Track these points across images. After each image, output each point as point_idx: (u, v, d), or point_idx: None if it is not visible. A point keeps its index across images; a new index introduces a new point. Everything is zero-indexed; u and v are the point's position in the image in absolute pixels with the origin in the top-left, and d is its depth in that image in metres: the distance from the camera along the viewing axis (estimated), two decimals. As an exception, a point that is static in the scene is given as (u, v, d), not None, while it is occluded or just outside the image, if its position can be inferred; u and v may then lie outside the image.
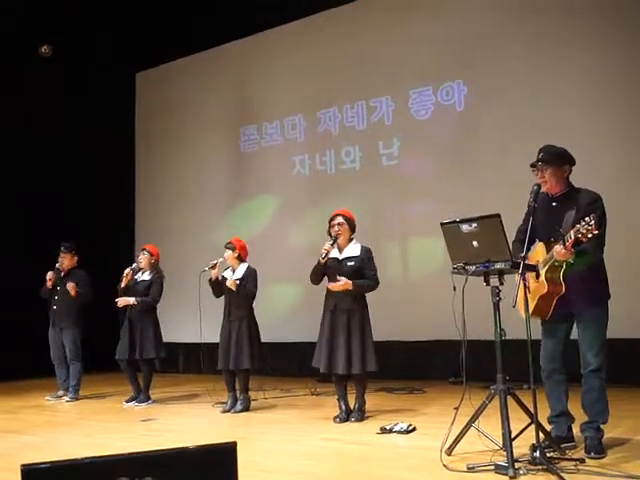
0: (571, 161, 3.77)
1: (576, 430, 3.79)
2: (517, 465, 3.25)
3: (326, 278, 5.17)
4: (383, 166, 8.14)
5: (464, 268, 3.57)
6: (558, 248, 3.41)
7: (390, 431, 4.52)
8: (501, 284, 3.56)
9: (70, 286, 6.79)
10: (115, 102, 9.87)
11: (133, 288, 6.52)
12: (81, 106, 9.64)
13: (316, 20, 8.76)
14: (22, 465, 1.64)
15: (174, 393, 7.29)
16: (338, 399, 5.16)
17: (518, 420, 3.52)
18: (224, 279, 5.91)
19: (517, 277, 3.48)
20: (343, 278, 4.95)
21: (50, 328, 7.01)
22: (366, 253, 5.10)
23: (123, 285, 6.50)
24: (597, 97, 6.75)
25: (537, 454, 3.28)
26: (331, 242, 5.05)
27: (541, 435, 3.37)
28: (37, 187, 9.16)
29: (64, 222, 8.93)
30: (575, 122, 6.74)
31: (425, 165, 7.79)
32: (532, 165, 3.77)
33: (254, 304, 5.91)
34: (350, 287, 4.94)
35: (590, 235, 3.23)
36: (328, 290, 5.14)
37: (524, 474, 3.22)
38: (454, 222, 3.56)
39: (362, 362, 4.93)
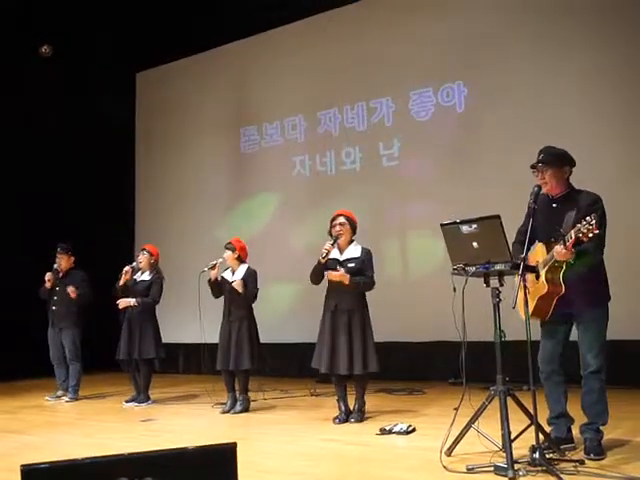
0: (571, 162, 3.78)
1: (575, 431, 3.79)
2: (516, 466, 3.25)
3: (326, 278, 5.18)
4: (383, 167, 8.14)
5: (464, 269, 3.57)
6: (558, 248, 3.41)
7: (390, 432, 4.52)
8: (501, 285, 3.56)
9: (70, 290, 6.79)
10: (115, 102, 9.87)
11: (132, 288, 6.52)
12: (81, 106, 9.65)
13: (317, 21, 8.76)
14: (22, 465, 1.64)
15: (174, 393, 7.29)
16: (338, 400, 5.16)
17: (518, 421, 3.52)
18: (223, 280, 5.91)
19: (517, 278, 3.49)
20: (342, 269, 4.95)
21: (49, 328, 7.01)
22: (367, 255, 5.11)
23: (121, 283, 6.50)
24: (597, 97, 6.75)
25: (537, 455, 3.27)
26: (332, 242, 5.05)
27: (541, 436, 3.37)
28: (37, 187, 9.16)
29: (64, 222, 8.93)
30: (575, 122, 6.74)
31: (425, 166, 7.78)
32: (532, 166, 3.77)
33: (254, 304, 5.92)
34: (347, 281, 4.93)
35: (591, 235, 3.23)
36: (328, 290, 5.15)
37: (523, 475, 3.22)
38: (454, 223, 3.56)
39: (363, 362, 4.93)
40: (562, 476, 3.15)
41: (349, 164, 8.43)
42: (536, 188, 3.71)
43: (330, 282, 5.16)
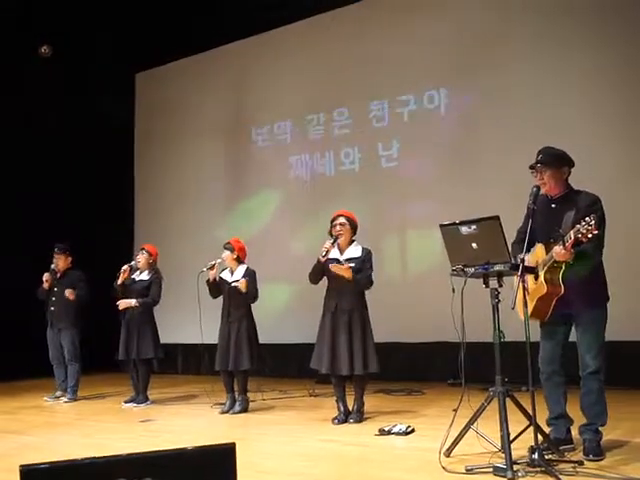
0: (570, 163, 3.78)
1: (575, 432, 3.79)
2: (515, 467, 3.25)
3: (325, 278, 5.18)
4: (382, 168, 8.14)
5: (463, 270, 3.57)
6: (557, 249, 3.41)
7: (389, 432, 4.52)
8: (500, 286, 3.57)
9: (68, 292, 6.80)
10: (115, 102, 9.86)
11: (130, 287, 6.52)
12: (81, 106, 9.64)
13: (317, 21, 8.76)
14: (21, 466, 1.64)
15: (173, 394, 7.29)
16: (337, 400, 5.16)
17: (517, 422, 3.52)
18: (222, 280, 5.91)
19: (516, 279, 3.49)
20: (347, 265, 4.95)
21: (48, 329, 7.01)
22: (367, 254, 5.11)
23: (119, 282, 6.50)
24: (597, 97, 6.75)
25: (536, 456, 3.28)
26: (332, 241, 5.06)
27: (540, 437, 3.37)
28: (37, 187, 9.16)
29: (64, 222, 8.93)
30: (575, 122, 6.75)
31: (425, 166, 7.78)
32: (531, 167, 3.77)
33: (253, 304, 5.92)
34: (349, 275, 4.93)
35: (590, 235, 3.24)
36: (328, 291, 5.15)
37: (522, 476, 3.23)
38: (453, 224, 3.56)
39: (364, 363, 4.93)
40: (561, 477, 3.15)
41: (348, 165, 8.43)
42: (535, 189, 3.71)
43: (330, 282, 5.16)
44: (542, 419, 3.69)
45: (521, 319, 3.47)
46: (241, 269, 5.88)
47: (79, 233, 8.67)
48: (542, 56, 7.03)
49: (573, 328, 3.75)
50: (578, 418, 3.76)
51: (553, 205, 3.77)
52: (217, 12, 9.34)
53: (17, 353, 8.25)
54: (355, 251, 5.11)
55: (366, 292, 5.15)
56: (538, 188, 3.73)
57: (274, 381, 7.58)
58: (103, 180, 9.75)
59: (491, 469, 3.31)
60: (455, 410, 3.58)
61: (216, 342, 5.93)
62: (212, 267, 5.89)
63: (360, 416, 5.10)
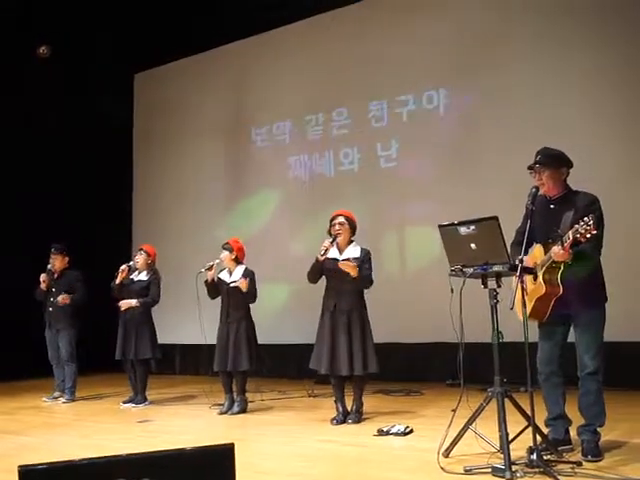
0: (568, 164, 3.78)
1: (573, 433, 3.79)
2: (514, 468, 3.25)
3: (324, 278, 5.18)
4: (381, 168, 8.14)
5: (462, 270, 3.57)
6: (556, 249, 3.42)
7: (387, 433, 4.52)
8: (499, 286, 3.57)
9: (61, 298, 6.80)
10: (114, 103, 9.86)
11: (129, 287, 6.51)
12: (80, 106, 9.63)
13: (317, 21, 8.76)
14: (19, 466, 1.64)
15: (171, 394, 7.28)
16: (335, 401, 5.16)
17: (515, 423, 3.52)
18: (220, 281, 5.90)
19: (514, 279, 3.49)
20: (354, 262, 4.94)
21: (46, 330, 7.01)
22: (366, 255, 5.11)
23: (118, 282, 6.50)
24: (597, 98, 6.76)
25: (534, 457, 3.28)
26: (331, 240, 5.06)
27: (538, 438, 3.38)
28: (36, 187, 9.15)
29: (63, 222, 8.94)
30: (575, 122, 6.75)
31: (424, 167, 7.78)
32: (530, 167, 3.78)
33: (251, 305, 5.92)
34: (355, 273, 4.93)
35: (588, 235, 3.24)
36: (327, 291, 5.15)
37: (521, 477, 3.23)
38: (452, 224, 3.57)
39: (363, 363, 4.93)
40: (559, 477, 3.15)
41: (347, 165, 8.43)
42: (534, 189, 3.72)
43: (328, 282, 5.17)
44: (541, 420, 3.70)
45: (520, 319, 3.47)
46: (240, 269, 5.87)
47: (78, 233, 8.67)
48: (542, 56, 7.04)
49: (572, 329, 3.75)
50: (577, 419, 3.77)
51: (552, 206, 3.77)
52: (216, 12, 9.34)
53: (16, 353, 8.24)
54: (354, 251, 5.11)
55: (365, 292, 5.15)
56: (537, 189, 3.74)
57: (273, 381, 7.58)
58: (102, 180, 9.75)
59: (490, 469, 3.31)
60: (454, 410, 3.59)
61: (214, 342, 5.92)
62: (210, 268, 5.89)
63: (359, 416, 5.10)
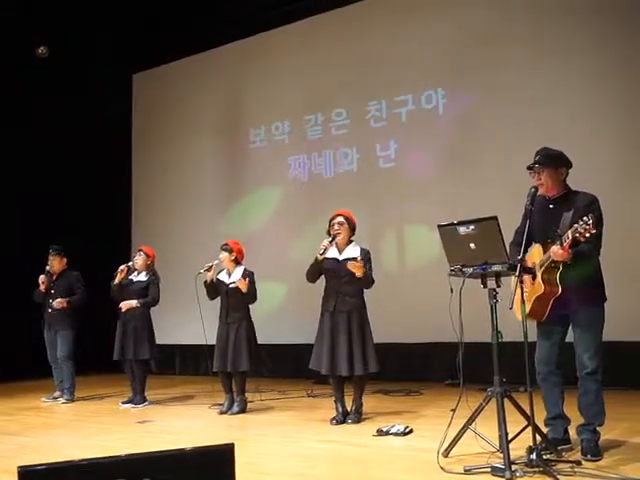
0: (568, 164, 3.78)
1: (572, 432, 3.79)
2: (514, 467, 3.25)
3: (323, 278, 5.18)
4: (380, 168, 8.14)
5: (461, 270, 3.58)
6: (555, 248, 3.42)
7: (387, 433, 4.52)
8: (498, 286, 3.57)
9: (56, 303, 6.79)
10: (113, 103, 9.87)
11: (128, 288, 6.51)
12: (79, 106, 9.63)
13: (316, 21, 8.77)
14: (19, 467, 1.64)
15: (171, 394, 7.28)
16: (335, 401, 5.16)
17: (515, 422, 3.52)
18: (219, 281, 5.90)
19: (514, 279, 3.49)
20: (361, 262, 4.94)
21: (46, 331, 7.00)
22: (366, 255, 5.11)
23: (116, 282, 6.49)
24: (596, 98, 6.76)
25: (534, 456, 3.28)
26: (330, 240, 5.06)
27: (538, 437, 3.38)
28: (36, 187, 9.15)
29: (63, 222, 8.94)
30: (574, 123, 6.75)
31: (423, 167, 7.78)
32: (529, 167, 3.78)
33: (250, 305, 5.92)
34: (362, 273, 4.93)
35: (588, 235, 3.24)
36: (326, 291, 5.15)
37: (521, 476, 3.23)
38: (451, 224, 3.57)
39: (363, 363, 4.94)
40: (559, 477, 3.16)
41: (346, 165, 8.43)
42: (533, 189, 3.72)
43: (328, 282, 5.17)
44: (540, 419, 3.70)
45: (519, 319, 3.47)
46: (239, 270, 5.87)
47: (78, 233, 8.67)
48: (542, 56, 7.04)
49: (570, 329, 3.75)
50: (576, 418, 3.77)
51: (551, 205, 3.77)
52: (215, 12, 9.34)
53: (16, 354, 8.23)
54: (354, 251, 5.11)
55: (365, 292, 5.15)
56: (536, 189, 3.74)
57: (272, 381, 7.57)
58: (101, 180, 9.75)
59: (489, 469, 3.31)
60: (453, 410, 3.59)
61: (213, 343, 5.92)
62: (210, 268, 5.89)
63: (358, 416, 5.10)
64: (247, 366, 5.67)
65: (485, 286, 3.60)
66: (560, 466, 3.36)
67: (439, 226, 3.65)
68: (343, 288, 5.03)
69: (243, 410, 5.77)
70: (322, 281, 5.22)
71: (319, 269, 5.13)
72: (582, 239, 3.29)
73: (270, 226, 8.82)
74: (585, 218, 3.25)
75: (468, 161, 7.44)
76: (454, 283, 3.54)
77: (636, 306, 6.14)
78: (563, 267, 3.52)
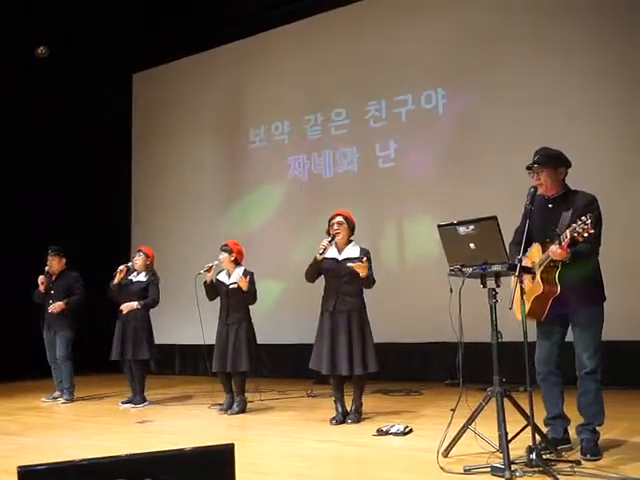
0: (567, 163, 3.79)
1: (572, 432, 3.79)
2: (513, 467, 3.26)
3: (322, 277, 5.18)
4: (380, 168, 8.14)
5: (461, 270, 3.58)
6: (554, 248, 3.42)
7: (387, 433, 4.52)
8: (498, 286, 3.57)
9: (52, 308, 6.79)
10: (113, 103, 9.87)
11: (127, 288, 6.51)
12: (79, 106, 9.63)
13: (316, 21, 8.77)
14: (19, 467, 1.64)
15: (170, 394, 7.28)
16: (335, 401, 5.16)
17: (514, 422, 3.52)
18: (219, 282, 5.90)
19: (513, 279, 3.49)
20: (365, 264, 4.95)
21: (45, 331, 7.00)
22: (366, 254, 5.11)
23: (115, 282, 6.49)
24: (596, 98, 6.76)
25: (533, 456, 3.28)
26: (329, 239, 5.06)
27: (537, 437, 3.38)
28: (36, 187, 9.15)
29: (63, 222, 8.94)
30: (573, 123, 6.76)
31: (422, 167, 7.79)
32: (528, 167, 3.78)
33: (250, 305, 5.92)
34: (365, 272, 4.93)
35: (586, 234, 3.25)
36: (326, 291, 5.15)
37: (520, 476, 3.23)
38: (451, 224, 3.57)
39: (363, 363, 4.94)
40: (559, 477, 3.16)
41: (346, 165, 8.43)
42: (532, 189, 3.72)
43: (327, 282, 5.17)
44: (540, 419, 3.70)
45: (518, 319, 3.47)
46: (238, 271, 5.86)
47: (77, 233, 8.66)
48: (542, 56, 7.04)
49: (570, 328, 3.75)
50: (575, 418, 3.77)
51: (550, 205, 3.78)
52: (215, 12, 9.34)
53: (15, 354, 8.23)
54: (353, 251, 5.11)
55: (364, 292, 5.15)
56: (535, 189, 3.74)
57: (272, 381, 7.58)
58: (101, 180, 9.75)
59: (489, 469, 3.31)
60: (453, 410, 3.59)
61: (213, 343, 5.92)
62: (209, 269, 5.88)
63: (358, 416, 5.10)
64: (247, 366, 5.67)
65: (485, 286, 3.60)
66: (560, 466, 3.36)
67: (439, 226, 3.65)
68: (343, 288, 5.04)
69: (243, 410, 5.77)
70: (322, 281, 5.23)
71: (318, 269, 5.13)
72: (580, 238, 3.29)
73: (270, 226, 8.82)
74: (583, 218, 3.25)
75: (468, 161, 7.44)
76: (454, 283, 3.54)
77: (635, 306, 6.14)
78: (562, 266, 3.52)
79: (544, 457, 3.34)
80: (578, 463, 3.40)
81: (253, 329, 5.86)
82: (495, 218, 3.42)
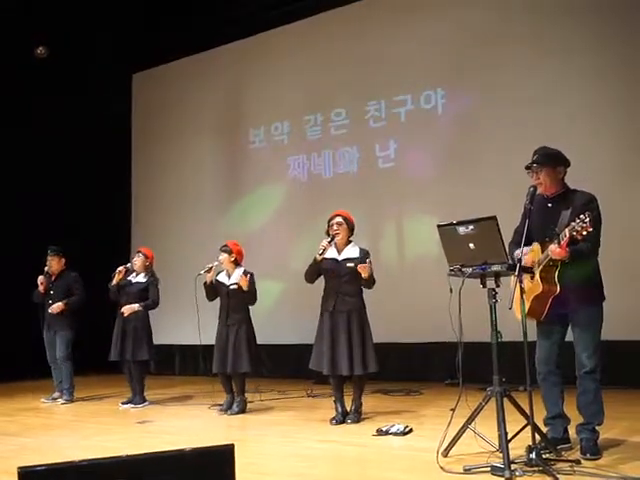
0: (565, 162, 3.79)
1: (572, 431, 3.80)
2: (513, 466, 3.26)
3: (322, 278, 5.18)
4: (380, 168, 8.14)
5: (460, 270, 3.58)
6: (553, 247, 3.43)
7: (387, 433, 4.52)
8: (497, 286, 3.57)
9: (52, 309, 6.79)
10: (113, 103, 9.87)
11: (127, 289, 6.51)
12: (79, 106, 9.64)
13: (315, 21, 8.77)
14: (19, 467, 1.64)
15: (170, 395, 7.28)
16: (335, 401, 5.16)
17: (514, 422, 3.52)
18: (218, 283, 5.89)
19: (513, 279, 3.50)
20: (369, 264, 4.96)
21: (45, 331, 7.00)
22: (365, 255, 5.11)
23: (114, 283, 6.49)
24: (595, 98, 6.76)
25: (533, 455, 3.28)
26: (329, 240, 5.06)
27: (537, 437, 3.38)
28: (36, 187, 9.16)
29: (63, 222, 8.94)
30: (573, 123, 6.76)
31: (422, 167, 7.79)
32: (527, 167, 3.79)
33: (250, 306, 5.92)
34: (368, 274, 4.94)
35: (585, 233, 3.25)
36: (326, 291, 5.15)
37: (520, 476, 3.23)
38: (450, 224, 3.57)
39: (363, 363, 4.94)
40: (559, 476, 3.16)
41: (345, 165, 8.43)
42: (532, 189, 3.72)
43: (327, 282, 5.17)
44: (540, 419, 3.70)
45: (518, 319, 3.47)
46: (238, 272, 5.86)
47: (77, 233, 8.66)
48: (541, 56, 7.04)
49: (570, 328, 3.75)
50: (575, 417, 3.77)
51: (549, 204, 3.78)
52: (215, 12, 9.34)
53: (15, 354, 8.23)
54: (353, 251, 5.12)
55: (364, 292, 5.15)
56: (535, 188, 3.74)
57: (272, 382, 7.57)
58: (101, 180, 9.75)
59: (489, 469, 3.31)
60: (453, 410, 3.59)
61: (213, 344, 5.92)
62: (209, 270, 5.88)
63: (358, 416, 5.10)
64: (247, 367, 5.67)
65: (484, 286, 3.60)
66: (559, 465, 3.36)
67: (438, 226, 3.65)
68: (343, 288, 5.04)
69: (243, 410, 5.77)
70: (322, 281, 5.23)
71: (318, 269, 5.13)
72: (579, 237, 3.29)
73: (270, 226, 8.82)
74: (582, 216, 3.26)
75: (467, 161, 7.44)
76: (453, 283, 3.54)
77: (635, 305, 6.14)
78: (561, 266, 3.52)
79: (544, 456, 3.35)
80: (578, 462, 3.41)
81: (253, 330, 5.86)
82: (495, 218, 3.42)
